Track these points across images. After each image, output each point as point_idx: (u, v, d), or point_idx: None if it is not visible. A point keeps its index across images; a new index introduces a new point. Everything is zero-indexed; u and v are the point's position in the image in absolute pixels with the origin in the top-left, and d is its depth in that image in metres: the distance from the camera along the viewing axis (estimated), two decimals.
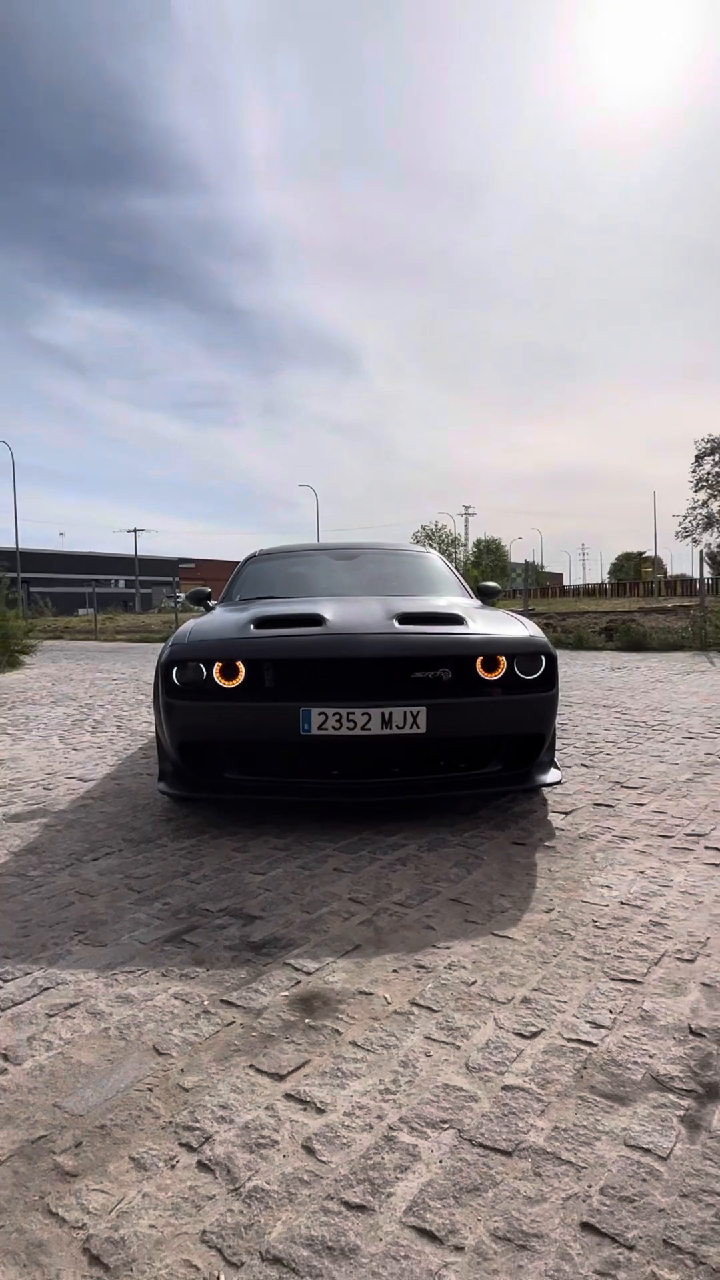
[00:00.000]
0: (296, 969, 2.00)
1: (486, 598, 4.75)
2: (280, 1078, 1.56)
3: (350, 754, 3.10)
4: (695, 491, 28.76)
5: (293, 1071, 1.58)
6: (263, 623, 3.34)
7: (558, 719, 5.63)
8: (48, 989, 1.93)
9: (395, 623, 3.27)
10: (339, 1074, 1.57)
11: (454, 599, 4.31)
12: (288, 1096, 1.51)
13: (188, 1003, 1.85)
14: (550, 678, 3.22)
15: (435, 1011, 1.79)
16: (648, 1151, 1.36)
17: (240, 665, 3.09)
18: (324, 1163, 1.35)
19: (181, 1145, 1.39)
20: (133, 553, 79.95)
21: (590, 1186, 1.29)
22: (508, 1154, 1.36)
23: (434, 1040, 1.68)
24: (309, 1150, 1.38)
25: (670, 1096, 1.49)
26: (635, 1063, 1.59)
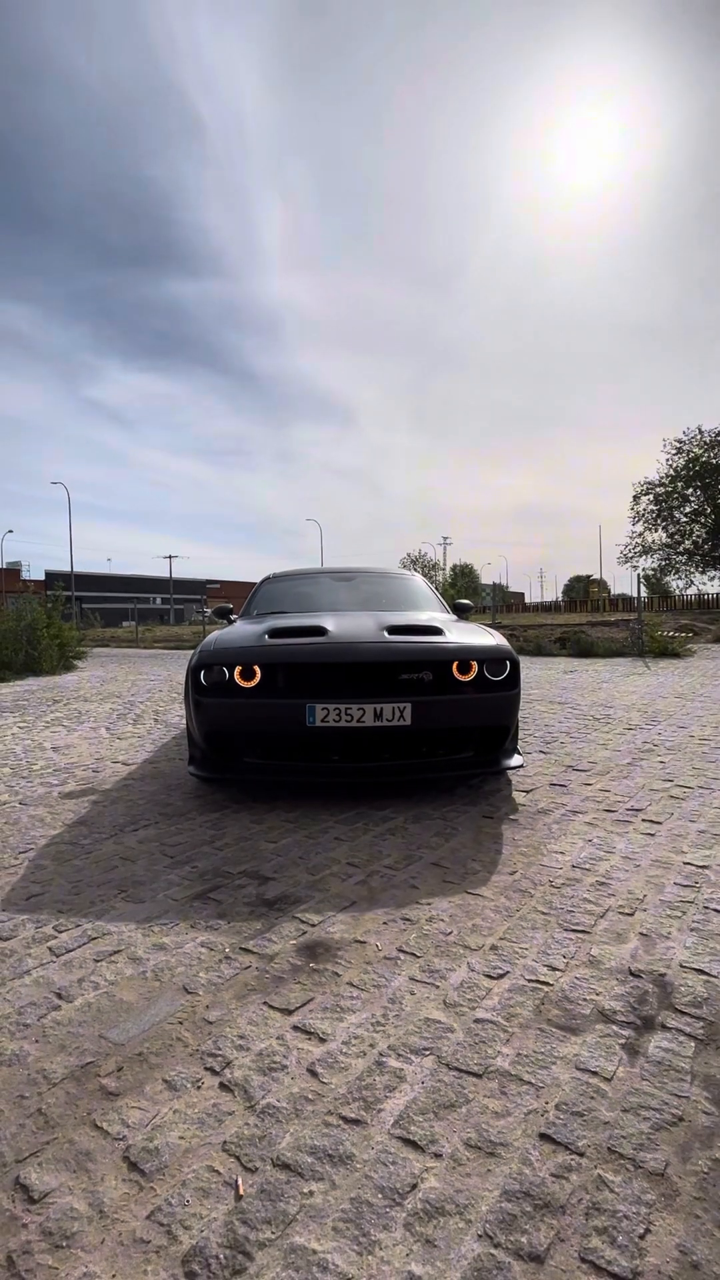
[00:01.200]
0: (303, 921, 1.99)
1: (461, 613, 4.75)
2: (289, 1012, 1.55)
3: (348, 742, 3.09)
4: (634, 525, 28.91)
5: (299, 1007, 1.57)
6: (275, 633, 3.34)
7: (520, 713, 5.63)
8: (95, 939, 1.91)
9: (385, 633, 3.27)
10: (338, 1009, 1.56)
11: (434, 614, 4.31)
12: (295, 1028, 1.50)
13: (212, 950, 1.84)
14: (514, 679, 3.22)
15: (418, 957, 1.78)
16: (595, 1074, 1.35)
17: (257, 668, 3.09)
18: (325, 1084, 1.34)
19: (206, 1069, 1.38)
20: (168, 575, 79.85)
21: (547, 1103, 1.28)
22: (478, 1076, 1.35)
23: (417, 981, 1.67)
24: (313, 1073, 1.37)
25: (614, 1028, 1.49)
26: (585, 999, 1.59)
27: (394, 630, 3.34)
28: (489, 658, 3.21)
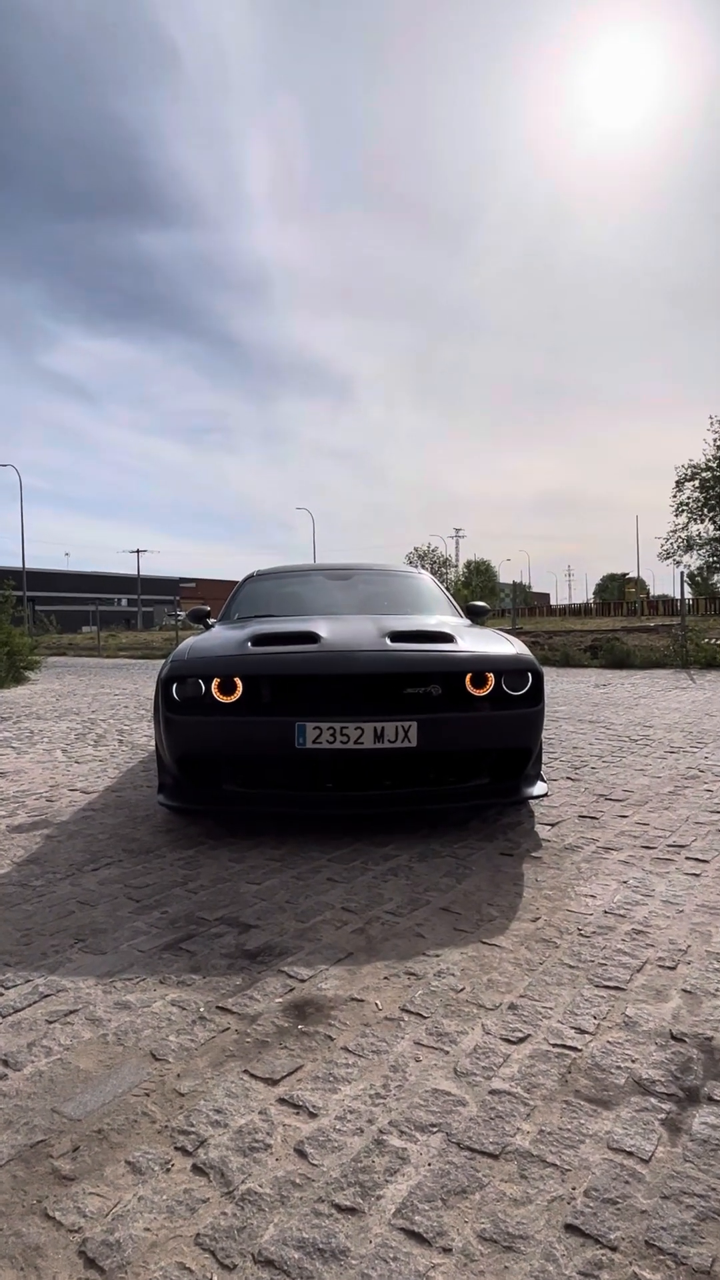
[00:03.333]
0: (290, 976, 1.98)
1: (475, 617, 4.76)
2: (274, 1083, 1.55)
3: (343, 767, 3.09)
4: (676, 515, 28.98)
5: (286, 1076, 1.57)
6: (260, 640, 3.34)
7: (544, 734, 5.63)
8: (48, 996, 1.91)
9: (387, 640, 3.28)
10: (331, 1079, 1.56)
11: (444, 618, 4.32)
12: (281, 1101, 1.50)
13: (184, 1009, 1.83)
14: (537, 694, 3.23)
15: (425, 1018, 1.78)
16: (630, 1154, 1.35)
17: (238, 681, 3.09)
18: (316, 1166, 1.33)
19: (177, 1149, 1.38)
20: (135, 572, 79.99)
21: (574, 1189, 1.28)
22: (494, 1157, 1.35)
23: (423, 1046, 1.67)
24: (301, 1153, 1.36)
25: (652, 1100, 1.48)
26: (618, 1067, 1.58)
27: (397, 637, 3.35)
28: (508, 669, 3.22)
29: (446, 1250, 1.17)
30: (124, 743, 5.92)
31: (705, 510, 28.58)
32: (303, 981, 1.96)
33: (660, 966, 2.01)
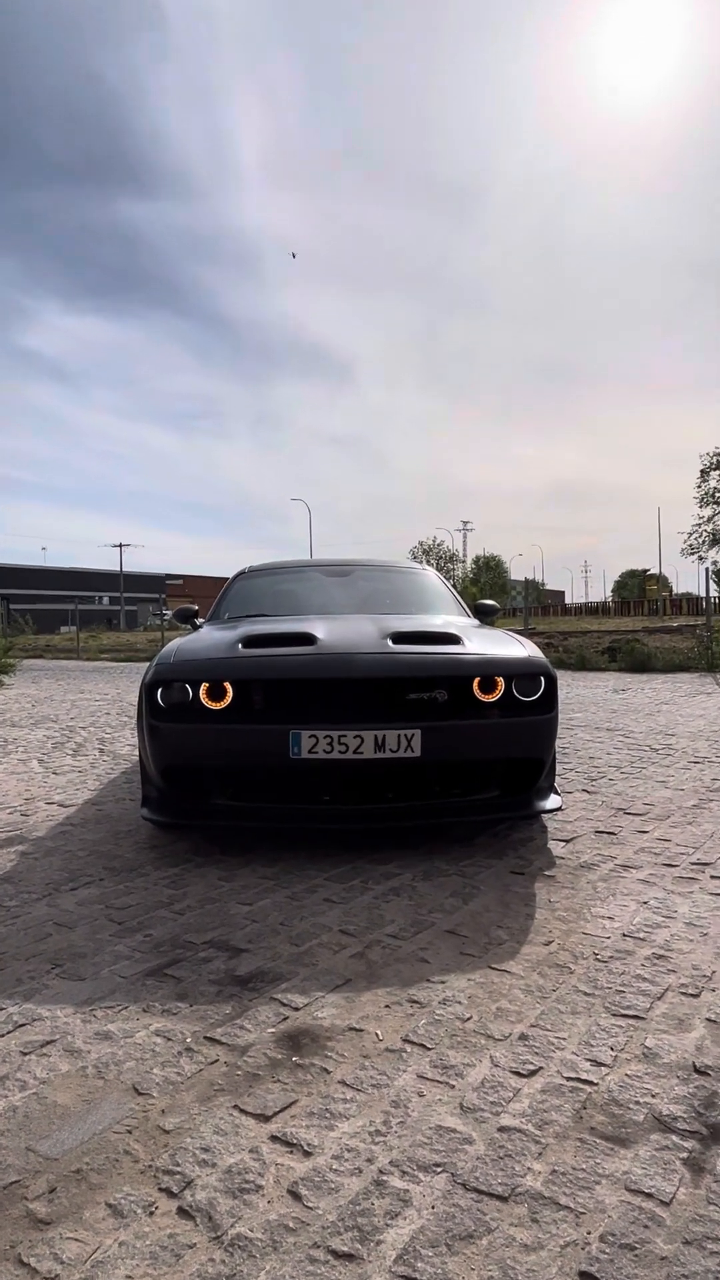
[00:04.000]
0: (284, 1004, 1.99)
1: (484, 616, 4.77)
2: (266, 1119, 1.55)
3: (342, 778, 3.10)
4: (701, 507, 29.02)
5: (279, 1112, 1.57)
6: (251, 642, 3.35)
7: (558, 742, 5.64)
8: (23, 1025, 1.91)
9: (389, 642, 3.29)
10: (327, 1115, 1.56)
11: (450, 618, 4.33)
12: (273, 1138, 1.50)
13: (169, 1040, 1.84)
14: (550, 699, 3.24)
15: (429, 1049, 1.78)
16: (649, 1196, 1.35)
17: (228, 686, 3.10)
18: (311, 1209, 1.34)
19: (161, 1190, 1.38)
20: (118, 568, 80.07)
21: (589, 1233, 1.28)
22: (503, 1199, 1.35)
23: (427, 1079, 1.67)
24: (295, 1195, 1.36)
25: (673, 1138, 1.48)
26: (637, 1103, 1.59)
27: (400, 638, 3.35)
28: (519, 673, 3.22)
29: None
30: (105, 752, 5.92)
31: None
32: (297, 1010, 1.96)
33: (683, 994, 2.02)
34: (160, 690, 3.15)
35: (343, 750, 2.97)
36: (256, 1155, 1.46)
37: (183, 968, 2.21)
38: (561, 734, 6.23)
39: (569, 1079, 1.66)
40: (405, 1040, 1.82)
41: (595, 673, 12.46)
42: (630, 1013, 1.93)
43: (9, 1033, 1.88)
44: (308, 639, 3.32)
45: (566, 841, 3.37)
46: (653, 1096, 1.60)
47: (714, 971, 2.13)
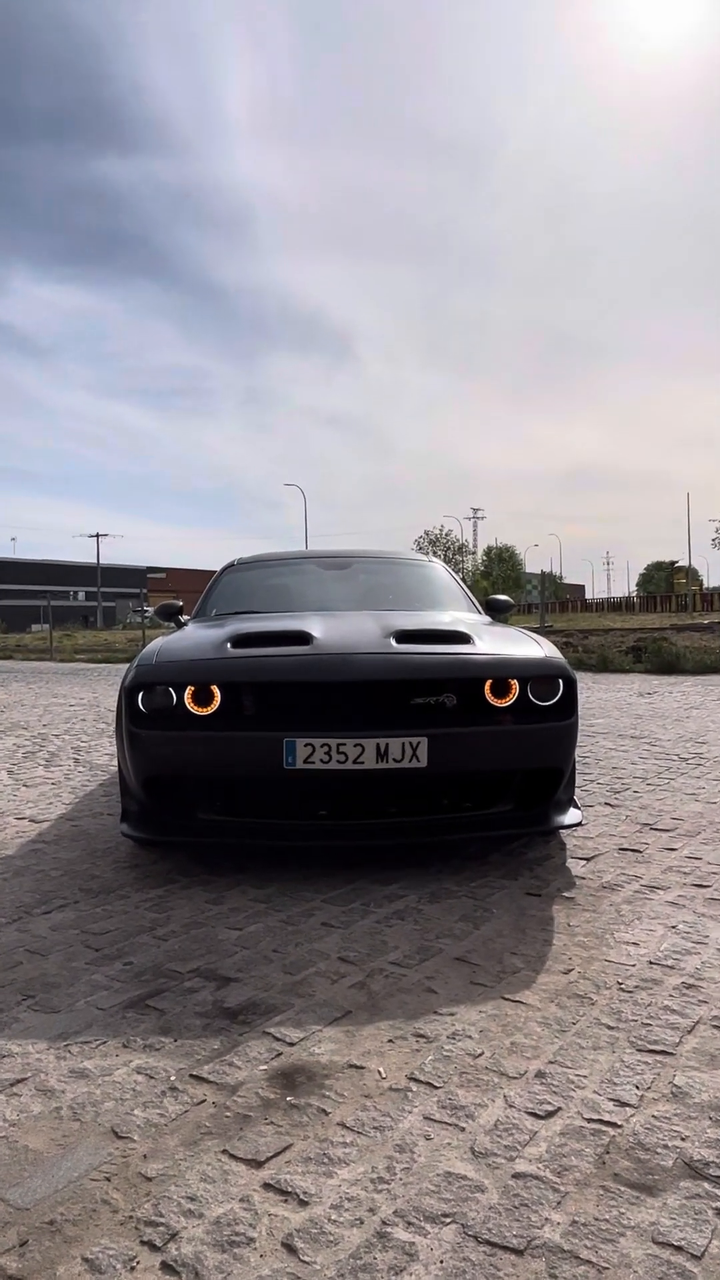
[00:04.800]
0: (278, 1039, 1.99)
1: (497, 613, 4.77)
2: (258, 1164, 1.55)
3: (340, 791, 3.10)
4: None
5: (272, 1157, 1.57)
6: (241, 641, 3.35)
7: (578, 752, 5.64)
8: None
9: (392, 641, 3.29)
10: (325, 1160, 1.56)
11: (459, 614, 4.33)
12: (266, 1186, 1.50)
13: (152, 1078, 1.84)
14: (569, 704, 3.24)
15: (436, 1088, 1.78)
16: (679, 1250, 1.35)
17: (215, 689, 3.10)
18: (307, 1263, 1.34)
19: (143, 1244, 1.38)
20: (95, 561, 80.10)
21: None
22: (519, 1253, 1.35)
23: (434, 1121, 1.67)
24: (290, 1249, 1.36)
25: (705, 1185, 1.48)
26: (666, 1146, 1.58)
27: (404, 637, 3.35)
28: (535, 674, 3.22)
29: None
30: (81, 762, 5.92)
31: None
32: (292, 1045, 1.96)
33: (715, 1027, 2.02)
34: (141, 694, 3.15)
35: (341, 760, 2.96)
36: (247, 1205, 1.46)
37: (166, 999, 2.21)
38: (582, 742, 6.22)
39: (590, 1121, 1.66)
40: (410, 1078, 1.82)
41: (618, 674, 12.46)
42: (658, 1048, 1.93)
43: None
44: (303, 638, 3.32)
45: (587, 860, 3.37)
46: (682, 1140, 1.60)
47: None
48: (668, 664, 12.46)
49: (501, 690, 3.17)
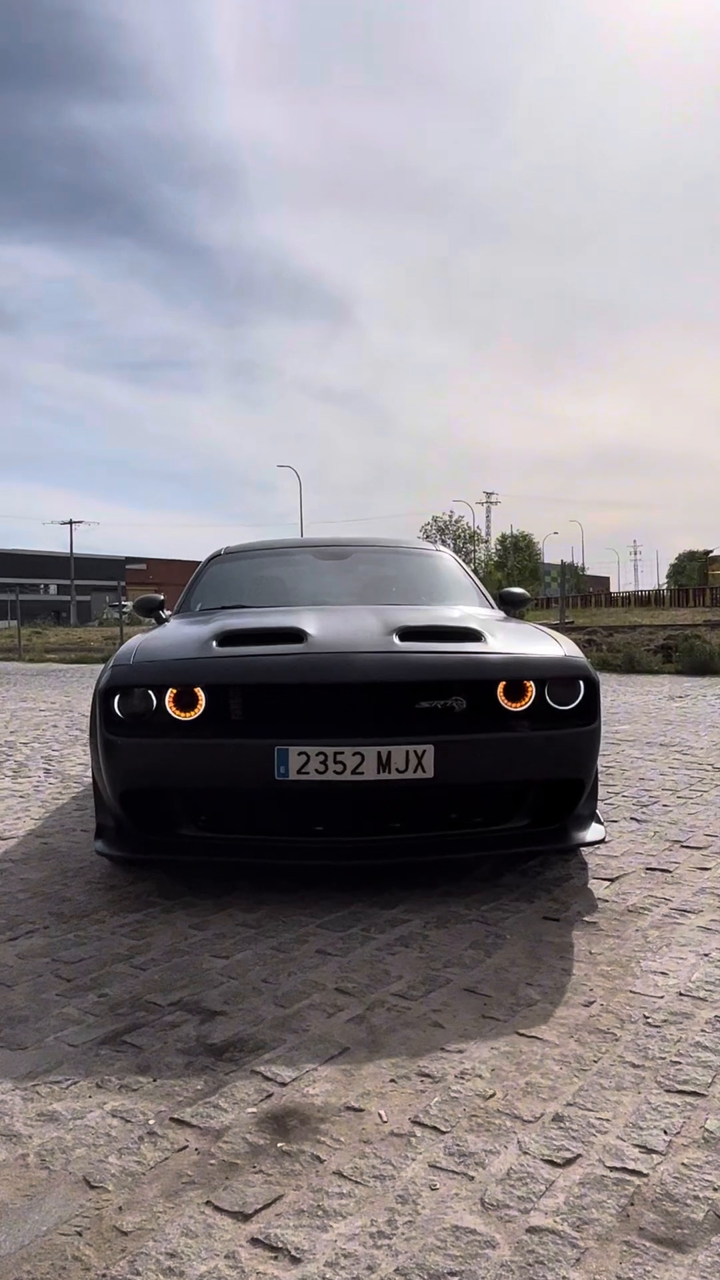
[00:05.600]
0: (268, 1079, 1.98)
1: (512, 607, 4.78)
2: (245, 1217, 1.55)
3: (338, 805, 3.10)
4: None
5: (261, 1209, 1.57)
6: (229, 638, 3.35)
7: (601, 761, 5.64)
8: None
9: (395, 639, 3.29)
10: (320, 1212, 1.56)
11: (470, 609, 4.33)
12: (254, 1241, 1.50)
13: (128, 1122, 1.83)
14: (591, 708, 3.24)
15: (443, 1132, 1.78)
16: None
17: (199, 692, 3.10)
18: None
19: None
20: (67, 550, 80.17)
21: None
22: None
23: (441, 1169, 1.67)
24: None
25: None
26: (696, 1197, 1.58)
27: (408, 634, 3.35)
28: (554, 676, 3.22)
29: None
30: (52, 773, 5.92)
31: None
32: (284, 1085, 1.96)
33: None
34: (118, 698, 3.15)
35: (339, 770, 2.96)
36: (234, 1262, 1.45)
37: (144, 1034, 2.21)
38: (605, 750, 6.22)
39: (613, 1169, 1.66)
40: (414, 1122, 1.82)
41: (646, 675, 12.47)
42: (688, 1088, 1.92)
43: None
44: (297, 635, 3.32)
45: (611, 881, 3.37)
46: (715, 1190, 1.60)
47: None
48: (701, 664, 12.46)
49: (516, 693, 3.17)
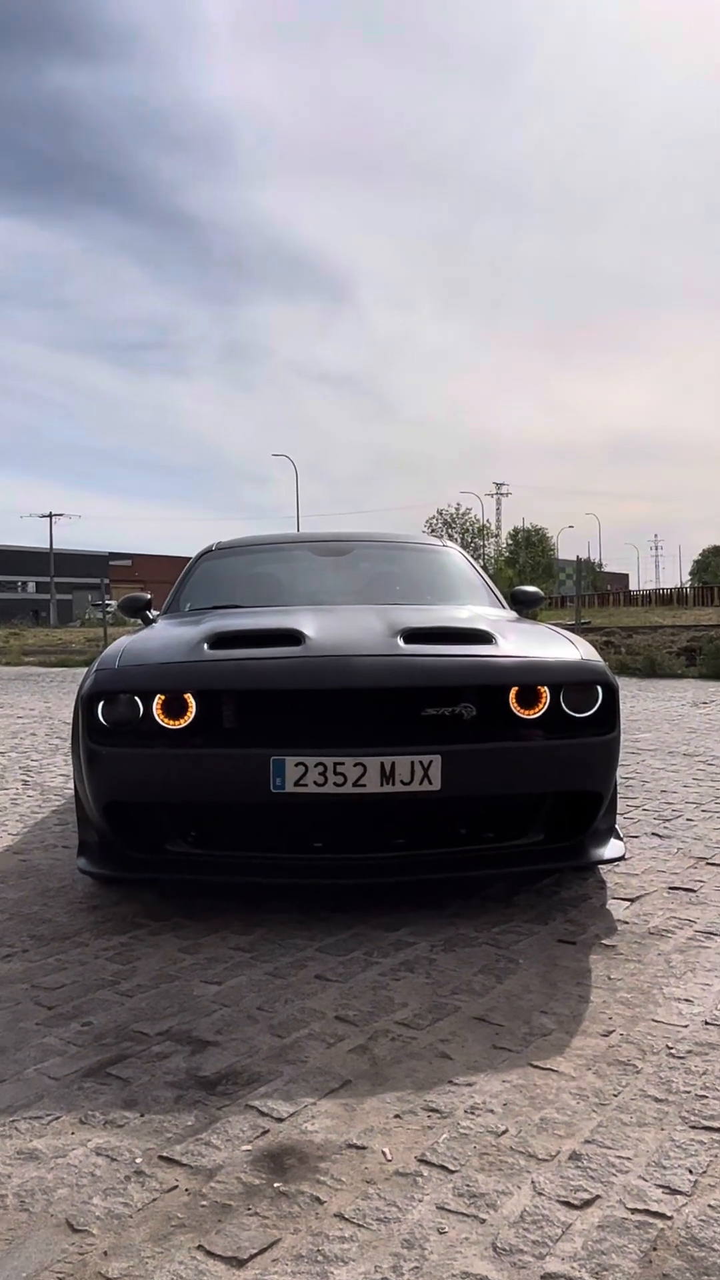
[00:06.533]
0: (263, 1114, 1.98)
1: (524, 607, 4.78)
2: (239, 1263, 1.55)
3: (338, 819, 3.10)
4: None
5: (256, 1255, 1.57)
6: (221, 641, 3.35)
7: (620, 771, 5.64)
8: None
9: (399, 641, 3.29)
10: (320, 1258, 1.56)
11: (479, 609, 4.33)
12: None
13: (114, 1160, 1.83)
14: (610, 715, 3.24)
15: (452, 1172, 1.78)
16: None
17: (190, 699, 3.10)
18: None
19: None
20: (47, 546, 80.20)
21: None
22: None
23: (449, 1211, 1.67)
24: None
25: None
26: None
27: (413, 636, 3.36)
28: (570, 680, 3.22)
29: None
30: (31, 785, 5.93)
31: None
32: (280, 1121, 1.96)
33: None
34: (102, 704, 3.15)
35: (339, 782, 2.96)
36: None
37: (131, 1066, 2.20)
38: (624, 760, 6.22)
39: (635, 1211, 1.66)
40: (421, 1160, 1.81)
41: (668, 680, 12.46)
42: (715, 1124, 1.92)
43: None
44: (294, 637, 3.32)
45: (631, 901, 3.37)
46: None
47: None
48: None
49: (529, 699, 3.17)
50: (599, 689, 3.24)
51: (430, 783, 2.99)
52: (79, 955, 2.94)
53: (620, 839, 3.46)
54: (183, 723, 3.10)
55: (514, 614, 4.54)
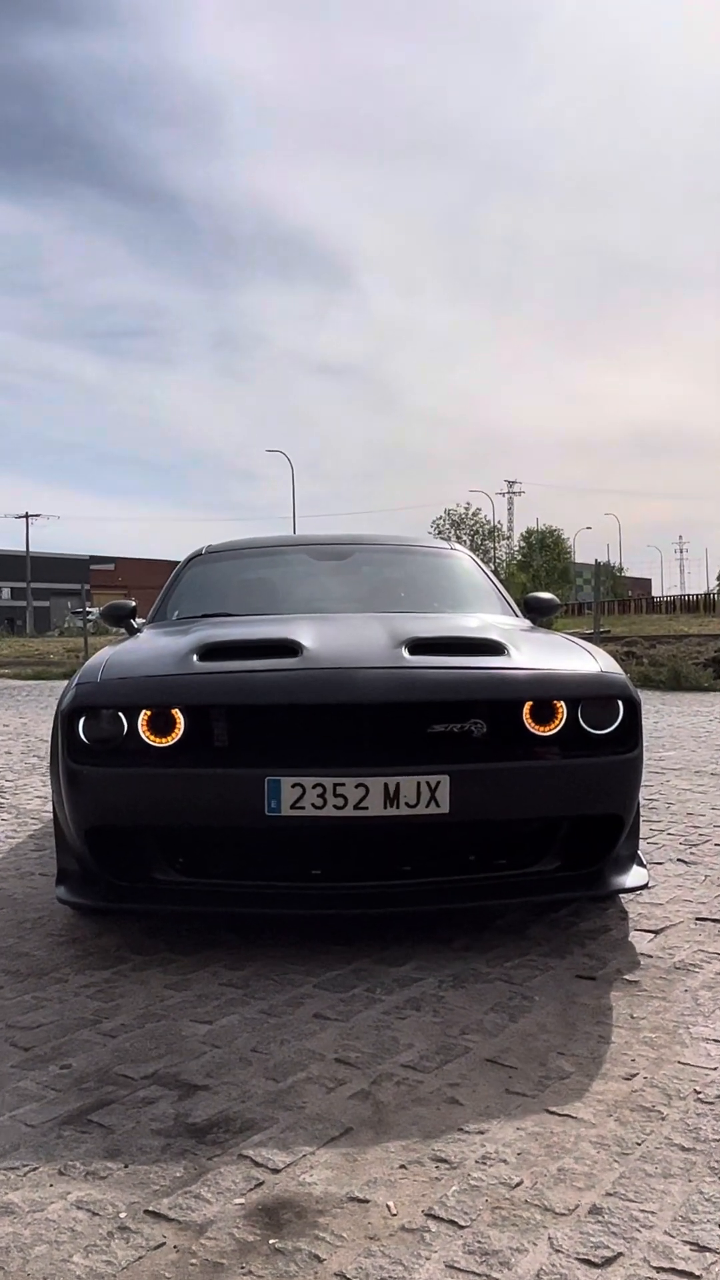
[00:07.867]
0: (258, 1164, 1.98)
1: (538, 615, 4.78)
2: None
3: (339, 845, 3.10)
4: None
5: None
6: (211, 652, 3.35)
7: (642, 793, 5.63)
8: None
9: (404, 652, 3.29)
10: None
11: (490, 617, 4.34)
12: None
13: (96, 1215, 1.83)
14: (631, 732, 3.24)
15: (462, 1227, 1.77)
16: None
17: (178, 714, 3.10)
18: None
19: None
20: (23, 549, 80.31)
21: None
22: None
23: (460, 1270, 1.66)
24: None
25: None
26: None
27: (420, 647, 3.36)
28: (588, 695, 3.23)
29: None
30: (5, 807, 5.93)
31: None
32: (276, 1172, 1.95)
33: None
34: (84, 720, 3.16)
35: (339, 805, 2.96)
36: None
37: (115, 1113, 2.20)
38: (647, 781, 6.22)
39: (660, 1270, 1.66)
40: (429, 1215, 1.81)
41: (695, 694, 12.46)
42: None
43: None
44: (290, 648, 3.32)
45: (655, 933, 3.37)
46: None
47: None
48: None
49: (545, 715, 3.17)
50: (620, 704, 3.24)
51: (438, 805, 2.99)
52: (58, 992, 2.94)
53: (643, 866, 3.46)
54: (170, 740, 3.10)
55: (528, 623, 4.54)
